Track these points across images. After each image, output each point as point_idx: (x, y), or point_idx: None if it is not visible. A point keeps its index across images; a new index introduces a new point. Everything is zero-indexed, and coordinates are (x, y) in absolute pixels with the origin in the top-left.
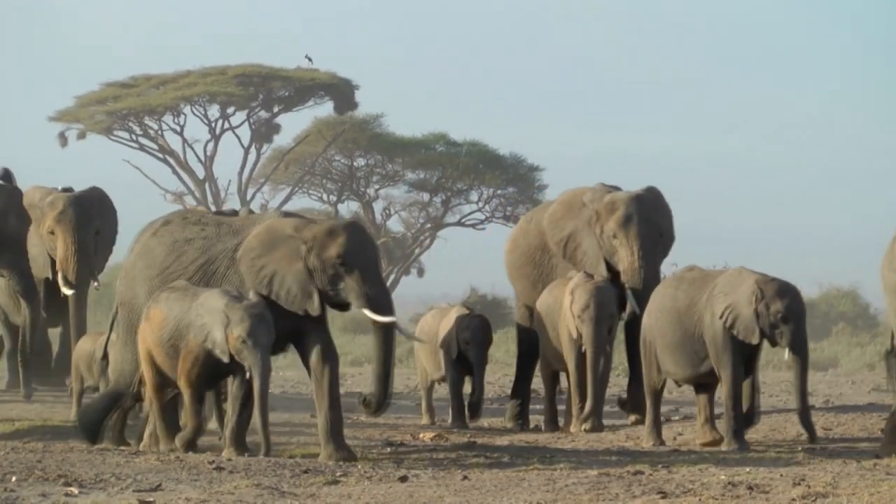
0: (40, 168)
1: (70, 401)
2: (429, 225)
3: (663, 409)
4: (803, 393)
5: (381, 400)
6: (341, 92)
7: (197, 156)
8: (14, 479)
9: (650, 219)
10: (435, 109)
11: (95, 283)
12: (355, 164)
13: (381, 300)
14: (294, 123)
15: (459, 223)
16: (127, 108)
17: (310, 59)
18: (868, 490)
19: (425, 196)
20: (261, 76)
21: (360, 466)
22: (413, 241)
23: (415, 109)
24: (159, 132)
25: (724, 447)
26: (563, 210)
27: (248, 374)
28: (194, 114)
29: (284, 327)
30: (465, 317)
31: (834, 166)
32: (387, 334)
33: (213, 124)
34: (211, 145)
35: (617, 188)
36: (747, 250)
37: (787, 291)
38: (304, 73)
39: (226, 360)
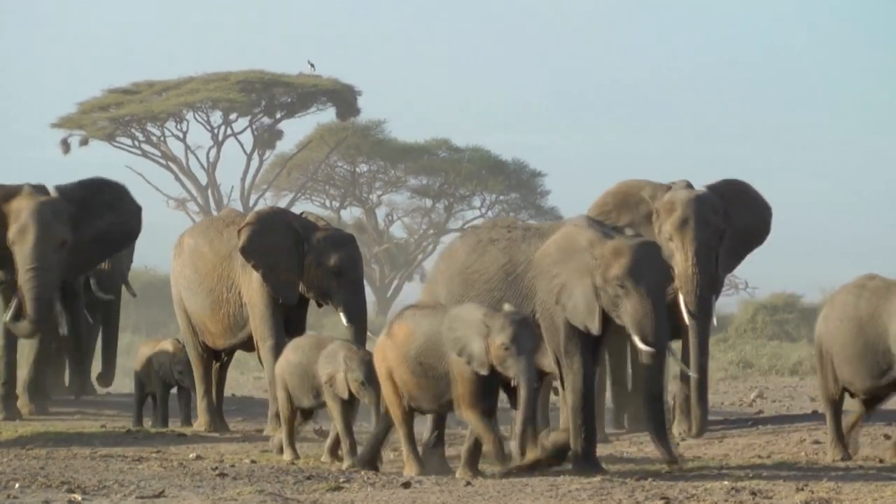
0: (43, 174)
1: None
2: (431, 231)
3: None
4: None
5: (659, 427)
6: (344, 98)
7: (199, 162)
8: (17, 485)
9: (709, 222)
10: (437, 115)
11: (132, 291)
12: (358, 170)
13: (650, 328)
14: (296, 129)
15: (462, 229)
16: (129, 115)
17: (312, 65)
18: (871, 495)
19: (428, 202)
20: (263, 82)
21: (363, 472)
22: (416, 246)
23: (417, 115)
24: (162, 138)
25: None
26: (615, 202)
27: (513, 383)
28: (197, 120)
29: None
30: None
31: (836, 170)
32: (656, 362)
33: (215, 130)
34: (213, 151)
35: (689, 184)
36: (750, 254)
37: None
38: (307, 79)
39: (484, 372)
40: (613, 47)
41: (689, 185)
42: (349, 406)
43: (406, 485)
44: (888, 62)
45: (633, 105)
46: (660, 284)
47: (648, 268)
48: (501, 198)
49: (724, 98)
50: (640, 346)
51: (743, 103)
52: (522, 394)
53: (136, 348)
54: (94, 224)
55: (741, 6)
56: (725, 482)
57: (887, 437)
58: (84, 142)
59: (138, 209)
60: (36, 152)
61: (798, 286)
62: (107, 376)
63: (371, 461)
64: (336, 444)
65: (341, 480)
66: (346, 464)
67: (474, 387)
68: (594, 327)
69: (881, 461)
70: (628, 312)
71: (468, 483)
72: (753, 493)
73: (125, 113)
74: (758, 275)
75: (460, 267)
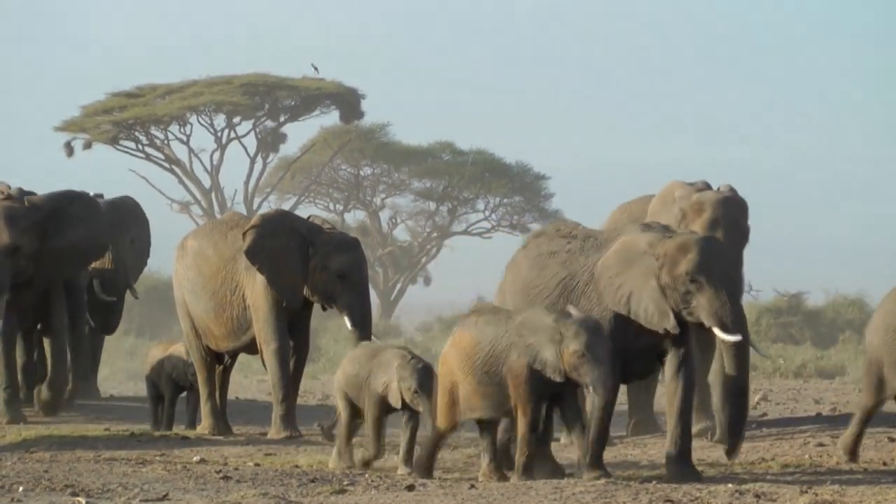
0: (46, 178)
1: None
2: (435, 234)
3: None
4: None
5: (738, 420)
6: (347, 101)
7: (203, 165)
8: (21, 489)
9: (738, 224)
10: (441, 118)
11: (135, 294)
12: (361, 173)
13: (730, 318)
14: (300, 133)
15: (466, 232)
16: (133, 118)
17: (316, 69)
18: (875, 498)
19: (431, 205)
20: (267, 85)
21: (367, 475)
22: (419, 249)
23: (421, 118)
24: (165, 142)
25: None
26: (659, 204)
27: (587, 391)
28: (200, 123)
29: (647, 343)
30: None
31: (840, 174)
32: (739, 353)
33: (219, 134)
34: (217, 155)
35: (708, 185)
36: (753, 257)
37: None
38: (310, 82)
39: (559, 379)
40: (617, 50)
41: (708, 186)
42: (385, 415)
43: (410, 488)
44: (889, 68)
45: (636, 108)
46: (730, 274)
47: (717, 259)
48: (505, 201)
49: (730, 101)
50: (724, 336)
51: (748, 107)
52: (599, 401)
53: (140, 351)
54: (64, 235)
55: (748, 9)
56: (729, 484)
57: (892, 439)
58: (87, 145)
59: (111, 222)
60: (39, 156)
61: (802, 288)
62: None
63: (497, 470)
64: (409, 453)
65: (345, 483)
66: (359, 469)
67: (528, 392)
68: (671, 326)
69: (885, 464)
70: (703, 306)
71: (472, 486)
72: (757, 496)
73: (129, 116)
74: (761, 277)
75: (523, 283)
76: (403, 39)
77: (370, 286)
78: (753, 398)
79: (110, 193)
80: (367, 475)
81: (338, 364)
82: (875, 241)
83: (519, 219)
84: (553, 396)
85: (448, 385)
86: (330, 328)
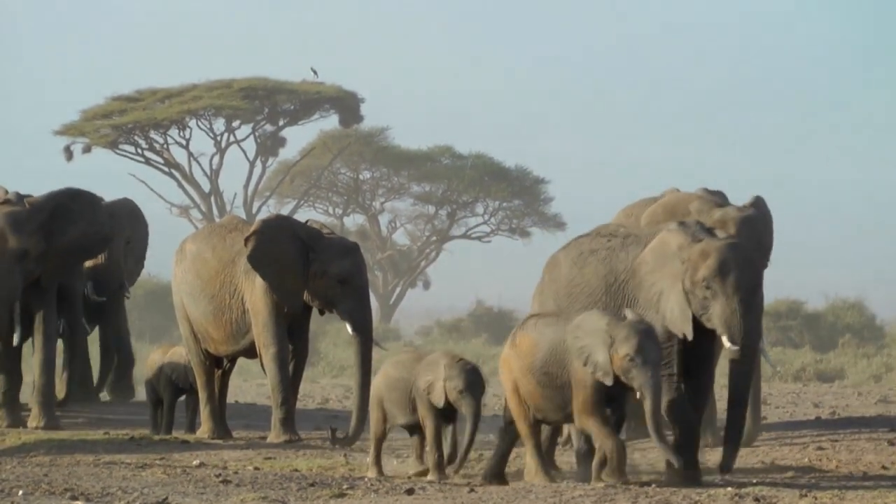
0: (45, 182)
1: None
2: (434, 238)
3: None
4: None
5: (732, 433)
6: (347, 105)
7: (202, 169)
8: (20, 492)
9: (762, 242)
10: (440, 122)
11: (126, 294)
12: (361, 176)
13: (738, 328)
14: (299, 136)
15: (465, 236)
16: (132, 122)
17: (315, 72)
18: (874, 501)
19: (431, 209)
20: (266, 89)
21: (366, 479)
22: (419, 253)
23: (420, 122)
24: (165, 146)
25: None
26: (665, 214)
27: (637, 395)
28: (200, 127)
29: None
30: None
31: (839, 178)
32: (743, 364)
33: (218, 138)
34: (216, 159)
35: (722, 195)
36: None
37: None
38: (310, 86)
39: (609, 382)
40: (616, 53)
41: (724, 197)
42: (443, 419)
43: (409, 491)
44: (888, 73)
45: (635, 111)
46: (748, 284)
47: (735, 267)
48: (504, 204)
49: (728, 105)
50: (728, 345)
51: (747, 110)
52: (649, 406)
53: (139, 355)
54: (66, 232)
55: (746, 11)
56: (729, 488)
57: (891, 443)
58: (87, 149)
59: (111, 218)
60: (39, 160)
61: (801, 293)
62: (121, 388)
63: (499, 475)
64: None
65: (345, 487)
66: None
67: (593, 395)
68: (689, 332)
69: (884, 468)
70: (716, 313)
71: (472, 490)
72: (757, 500)
73: (128, 120)
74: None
75: (564, 281)
76: (403, 43)
77: (370, 290)
78: None
79: (110, 197)
80: (365, 478)
81: (337, 367)
82: (875, 246)
83: (518, 222)
84: (611, 398)
85: (512, 385)
86: (329, 332)
